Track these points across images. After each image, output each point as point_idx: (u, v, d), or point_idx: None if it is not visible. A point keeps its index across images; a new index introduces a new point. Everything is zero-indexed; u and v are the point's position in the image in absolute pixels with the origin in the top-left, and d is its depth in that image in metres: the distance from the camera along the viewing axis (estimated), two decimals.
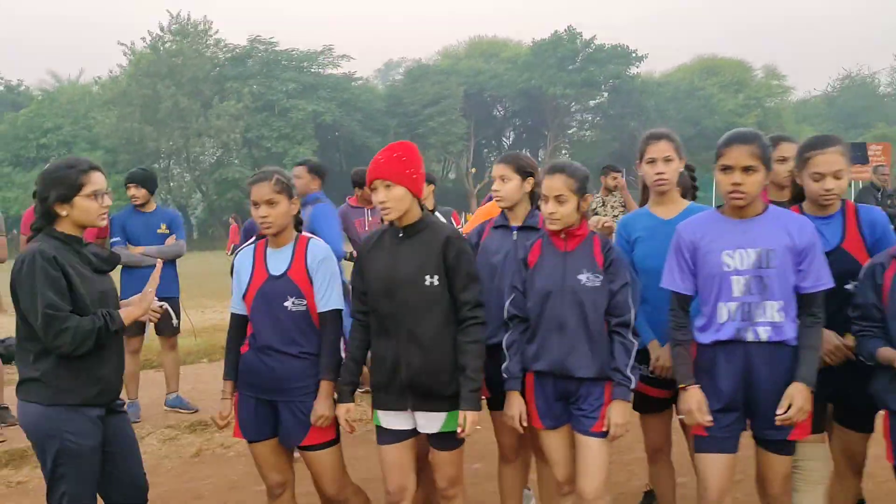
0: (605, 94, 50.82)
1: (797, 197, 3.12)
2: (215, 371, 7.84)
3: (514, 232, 3.35)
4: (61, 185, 2.81)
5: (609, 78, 49.13)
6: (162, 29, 42.56)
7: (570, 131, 54.16)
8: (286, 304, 3.10)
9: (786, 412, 2.63)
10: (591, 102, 51.76)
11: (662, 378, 3.15)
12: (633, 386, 2.85)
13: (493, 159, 54.76)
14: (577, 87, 48.39)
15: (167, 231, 6.01)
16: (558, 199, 2.91)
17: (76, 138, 41.67)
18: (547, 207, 2.94)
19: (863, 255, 2.91)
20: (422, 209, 3.00)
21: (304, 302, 3.11)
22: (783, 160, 3.44)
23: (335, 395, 3.09)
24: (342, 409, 3.02)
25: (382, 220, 4.33)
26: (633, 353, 2.86)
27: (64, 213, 2.82)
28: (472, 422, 2.84)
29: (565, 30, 49.37)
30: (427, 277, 2.89)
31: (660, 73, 53.69)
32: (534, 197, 3.41)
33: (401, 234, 2.98)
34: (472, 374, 2.85)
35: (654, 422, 3.34)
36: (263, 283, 3.14)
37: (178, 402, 6.19)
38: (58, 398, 2.74)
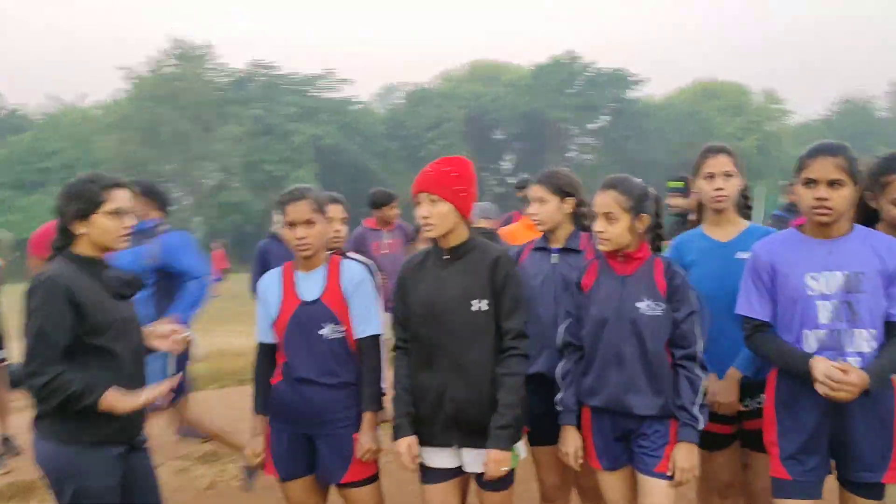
0: (606, 118, 50.96)
1: (867, 219, 2.92)
2: (224, 398, 7.64)
3: (554, 254, 3.17)
4: (80, 200, 2.63)
5: (609, 101, 49.32)
6: (164, 54, 42.74)
7: (570, 154, 54.20)
8: (322, 331, 2.91)
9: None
10: (592, 126, 51.87)
11: (724, 414, 2.94)
12: (700, 426, 2.62)
13: (492, 182, 54.81)
14: (577, 111, 48.55)
15: None
16: (607, 217, 2.71)
17: (78, 161, 41.57)
18: (595, 226, 2.76)
19: None
20: (469, 229, 2.81)
21: (342, 328, 2.93)
22: None
23: (377, 429, 2.89)
24: (404, 444, 2.77)
25: (414, 238, 4.08)
26: (701, 390, 2.64)
27: (82, 230, 2.64)
28: (497, 461, 2.62)
29: (565, 54, 49.67)
30: (474, 302, 2.70)
31: (659, 96, 53.89)
32: (577, 217, 3.24)
33: (446, 256, 2.79)
34: (504, 409, 2.63)
35: (720, 458, 3.09)
36: (296, 309, 2.95)
37: (189, 431, 5.95)
38: (74, 436, 2.54)
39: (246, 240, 46.12)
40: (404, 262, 2.97)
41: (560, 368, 2.83)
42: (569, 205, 3.21)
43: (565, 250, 3.19)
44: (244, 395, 7.51)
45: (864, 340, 2.49)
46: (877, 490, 2.56)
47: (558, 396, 2.81)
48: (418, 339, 2.80)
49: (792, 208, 8.49)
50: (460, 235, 2.79)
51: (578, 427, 2.79)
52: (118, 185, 2.70)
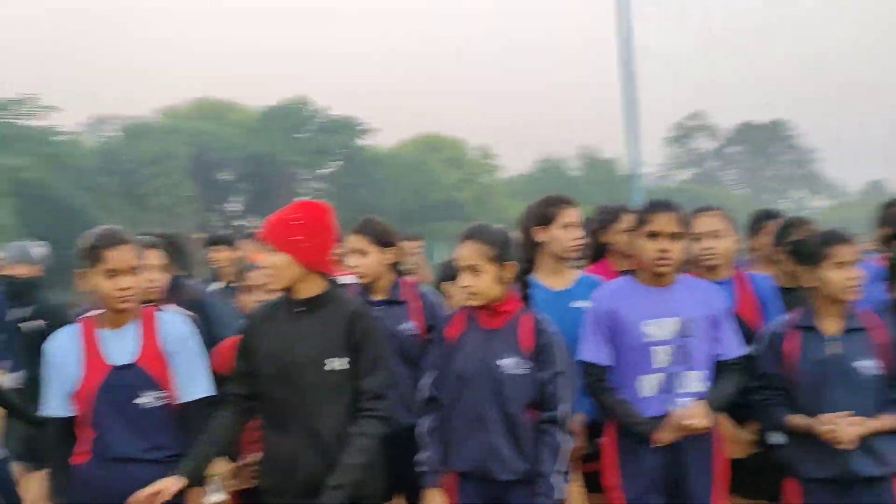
0: (337, 164, 51.83)
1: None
2: None
3: (378, 308, 3.06)
4: None
5: (340, 148, 50.28)
6: None
7: (300, 198, 54.13)
8: (139, 400, 2.48)
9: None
10: (323, 171, 52.40)
11: None
12: (556, 496, 2.56)
13: (218, 224, 52.68)
14: (309, 155, 48.79)
15: None
16: (472, 270, 2.65)
17: None
18: (461, 280, 2.68)
19: (756, 320, 3.08)
20: (331, 282, 2.59)
21: (165, 394, 2.53)
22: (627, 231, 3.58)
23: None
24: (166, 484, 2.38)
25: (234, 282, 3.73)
26: (561, 455, 2.59)
27: None
28: None
29: (296, 97, 49.88)
30: (329, 361, 2.49)
31: (388, 146, 56.17)
32: (395, 265, 3.18)
33: (298, 309, 2.53)
34: (344, 468, 2.42)
35: None
36: (106, 376, 2.49)
37: None
38: None
39: None
40: (251, 313, 2.66)
41: (425, 425, 2.68)
42: (390, 254, 3.13)
43: (388, 302, 3.10)
44: None
45: (696, 381, 2.73)
46: None
47: (423, 455, 2.65)
48: (267, 400, 2.53)
49: None
50: (312, 287, 2.56)
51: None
52: None
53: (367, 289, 3.17)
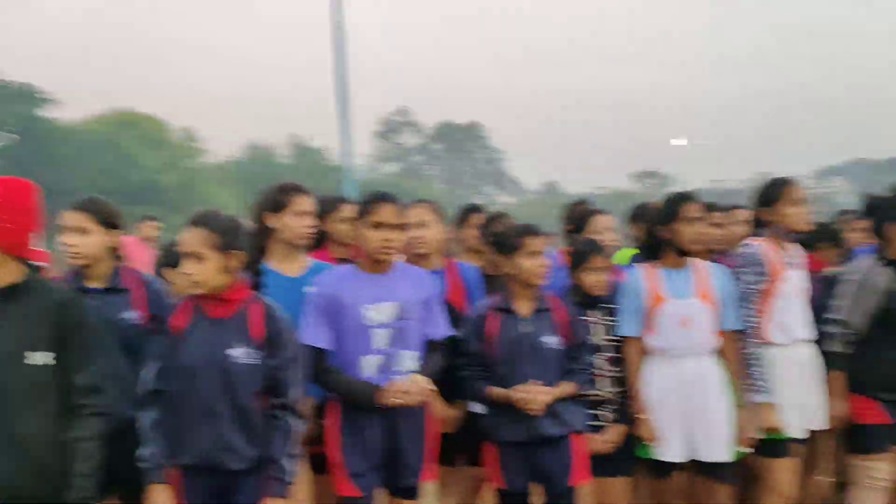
0: (15, 137, 45.39)
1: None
2: None
3: (97, 296, 2.87)
4: None
5: (14, 119, 44.07)
6: None
7: None
8: None
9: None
10: None
11: None
12: (289, 479, 2.61)
13: None
14: None
15: None
16: (195, 258, 2.58)
17: None
18: (183, 267, 2.61)
19: (464, 305, 3.40)
20: (32, 268, 2.35)
21: None
22: (346, 220, 3.75)
23: None
24: None
25: None
26: (293, 438, 2.64)
27: None
28: None
29: None
30: (31, 355, 2.28)
31: (74, 120, 50.54)
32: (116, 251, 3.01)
33: None
34: (81, 480, 2.29)
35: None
36: None
37: None
38: None
39: None
40: None
41: (147, 419, 2.56)
42: (114, 238, 2.94)
43: (108, 290, 2.92)
44: None
45: (411, 360, 2.98)
46: (415, 492, 3.05)
47: (146, 451, 2.53)
48: None
49: None
50: (10, 273, 2.31)
51: None
52: None
53: (81, 275, 2.91)
